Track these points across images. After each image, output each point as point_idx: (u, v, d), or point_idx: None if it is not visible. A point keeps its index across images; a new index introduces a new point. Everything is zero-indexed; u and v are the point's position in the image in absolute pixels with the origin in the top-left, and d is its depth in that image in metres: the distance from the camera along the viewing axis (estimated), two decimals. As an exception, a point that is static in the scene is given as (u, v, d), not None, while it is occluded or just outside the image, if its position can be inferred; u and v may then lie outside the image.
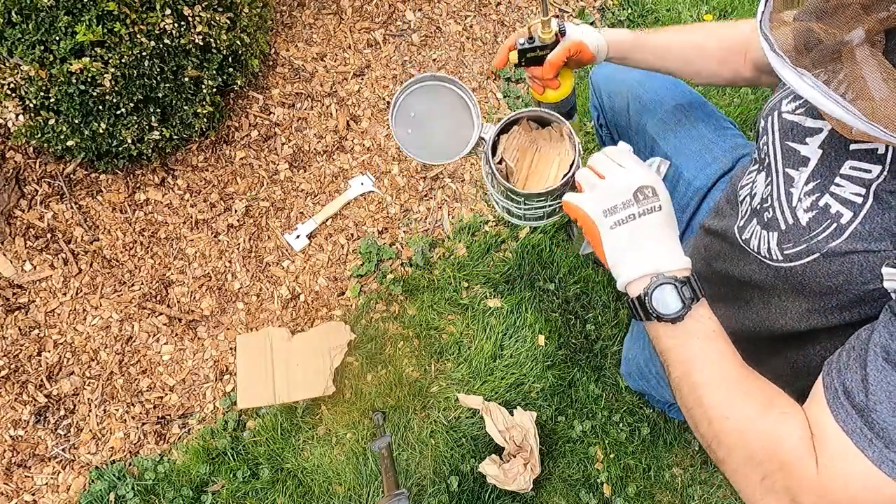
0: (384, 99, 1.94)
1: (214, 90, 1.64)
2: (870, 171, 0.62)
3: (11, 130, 1.44)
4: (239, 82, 1.71)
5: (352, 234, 1.75)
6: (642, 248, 0.71)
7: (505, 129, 0.90)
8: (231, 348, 1.61)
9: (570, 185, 0.84)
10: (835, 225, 0.65)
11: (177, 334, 1.62)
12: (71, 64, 1.32)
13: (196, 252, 1.70)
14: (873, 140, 0.59)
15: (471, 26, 2.11)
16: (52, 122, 1.43)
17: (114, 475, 1.45)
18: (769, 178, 0.77)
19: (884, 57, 0.53)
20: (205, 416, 1.55)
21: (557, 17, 0.93)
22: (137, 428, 1.52)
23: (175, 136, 1.64)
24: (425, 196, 1.82)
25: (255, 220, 1.75)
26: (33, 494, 1.46)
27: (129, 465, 1.49)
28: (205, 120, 1.67)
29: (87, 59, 1.34)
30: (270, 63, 1.94)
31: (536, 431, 1.47)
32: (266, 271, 1.70)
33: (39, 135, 1.46)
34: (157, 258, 1.68)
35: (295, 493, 1.46)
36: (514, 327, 1.63)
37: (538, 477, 1.44)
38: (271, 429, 1.51)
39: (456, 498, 1.46)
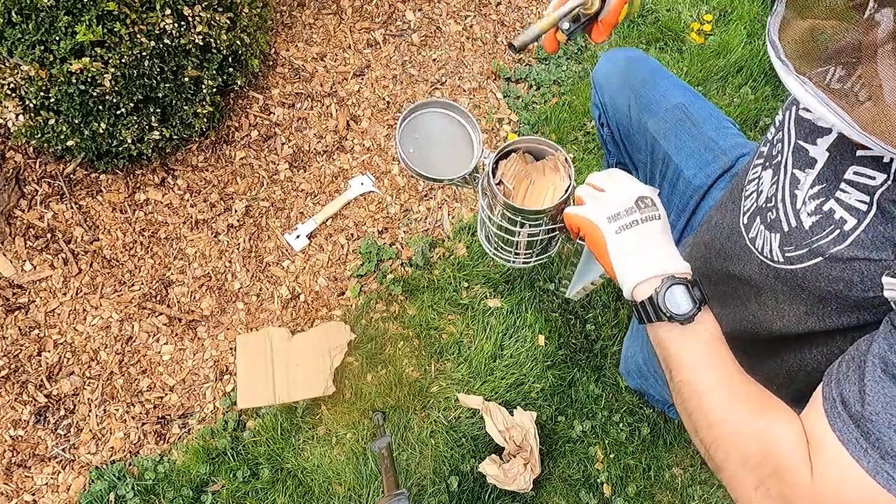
0: (384, 99, 1.94)
1: (214, 90, 1.64)
2: (874, 179, 0.61)
3: (11, 130, 1.44)
4: (239, 82, 1.71)
5: (352, 234, 1.75)
6: (646, 253, 0.72)
7: (504, 156, 0.94)
8: (231, 348, 1.61)
9: (569, 204, 0.87)
10: (838, 231, 0.65)
11: (177, 334, 1.62)
12: (71, 64, 1.32)
13: (196, 252, 1.70)
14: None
15: (471, 26, 2.11)
16: (52, 122, 1.43)
17: (114, 475, 1.45)
18: (776, 177, 0.77)
19: None
20: (205, 416, 1.55)
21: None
22: (137, 428, 1.52)
23: (175, 136, 1.64)
24: (425, 196, 1.82)
25: (255, 220, 1.75)
26: (33, 494, 1.46)
27: (129, 465, 1.49)
28: (205, 120, 1.67)
29: (87, 59, 1.34)
30: (270, 63, 1.94)
31: (536, 431, 1.47)
32: (266, 271, 1.70)
33: (39, 135, 1.46)
34: (157, 258, 1.68)
35: (295, 493, 1.46)
36: (514, 327, 1.63)
37: (538, 477, 1.44)
38: (271, 429, 1.51)
39: (456, 498, 1.46)
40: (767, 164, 0.80)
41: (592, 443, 1.54)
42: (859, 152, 0.64)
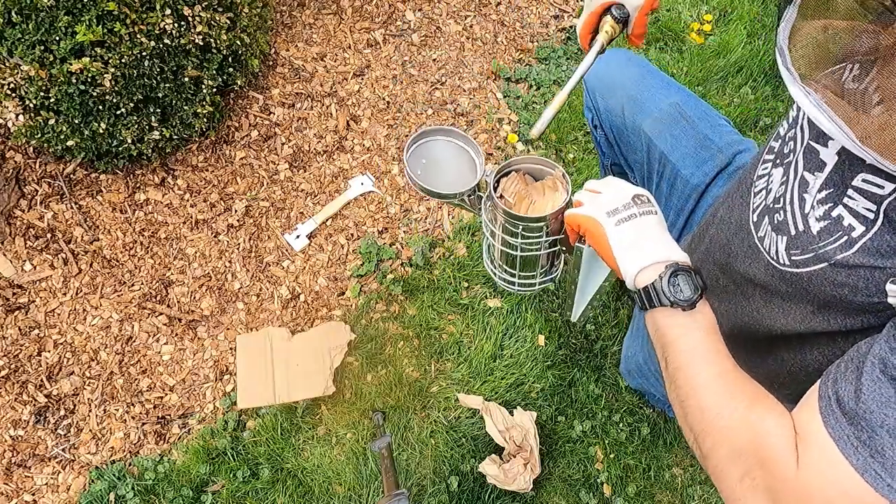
0: (384, 99, 1.94)
1: (214, 90, 1.64)
2: (882, 188, 0.61)
3: (11, 130, 1.44)
4: (239, 82, 1.71)
5: (352, 234, 1.76)
6: (646, 243, 0.75)
7: (505, 175, 1.00)
8: (231, 348, 1.61)
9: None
10: (846, 237, 0.64)
11: (177, 334, 1.62)
12: (71, 64, 1.32)
13: (196, 252, 1.70)
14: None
15: (471, 26, 2.11)
16: (52, 122, 1.43)
17: (114, 475, 1.45)
18: (785, 177, 0.76)
19: None
20: (205, 416, 1.55)
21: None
22: (137, 428, 1.52)
23: (175, 136, 1.64)
24: (425, 197, 1.82)
25: (255, 220, 1.75)
26: (33, 494, 1.46)
27: (129, 465, 1.49)
28: (205, 120, 1.67)
29: (87, 59, 1.34)
30: (270, 63, 1.94)
31: (536, 431, 1.47)
32: (266, 271, 1.70)
33: (39, 135, 1.46)
34: (157, 258, 1.68)
35: (295, 493, 1.46)
36: (514, 327, 1.63)
37: (538, 477, 1.44)
38: (271, 429, 1.51)
39: (456, 498, 1.46)
40: (779, 161, 0.79)
41: (592, 443, 1.54)
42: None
